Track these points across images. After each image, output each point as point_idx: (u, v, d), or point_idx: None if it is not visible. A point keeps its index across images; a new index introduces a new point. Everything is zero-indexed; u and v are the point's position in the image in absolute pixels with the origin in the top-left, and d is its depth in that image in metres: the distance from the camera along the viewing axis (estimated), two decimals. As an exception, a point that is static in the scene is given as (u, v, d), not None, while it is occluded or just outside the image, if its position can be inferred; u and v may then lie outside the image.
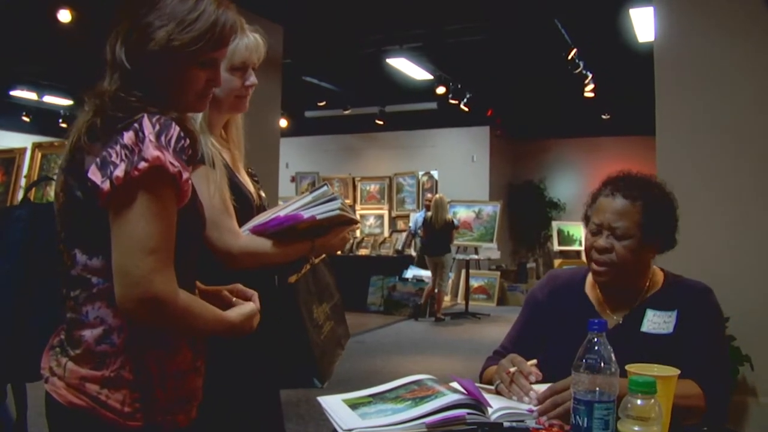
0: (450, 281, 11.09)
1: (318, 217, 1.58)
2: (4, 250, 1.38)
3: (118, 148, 1.14)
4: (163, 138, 1.15)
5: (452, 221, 9.19)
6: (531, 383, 1.50)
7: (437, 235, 9.01)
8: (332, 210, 1.59)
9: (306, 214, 1.58)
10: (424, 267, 9.60)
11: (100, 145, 1.17)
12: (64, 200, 1.23)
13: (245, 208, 1.68)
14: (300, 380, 1.74)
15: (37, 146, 5.32)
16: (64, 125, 10.66)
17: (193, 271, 1.33)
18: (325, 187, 1.62)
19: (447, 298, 10.85)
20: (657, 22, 3.51)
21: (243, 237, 1.59)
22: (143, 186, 1.13)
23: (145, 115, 1.16)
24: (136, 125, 1.15)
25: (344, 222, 1.65)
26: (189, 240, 1.27)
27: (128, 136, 1.14)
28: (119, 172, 1.12)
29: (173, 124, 1.18)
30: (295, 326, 1.69)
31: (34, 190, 4.09)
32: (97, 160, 1.15)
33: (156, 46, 1.21)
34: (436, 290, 9.19)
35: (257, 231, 1.60)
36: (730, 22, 3.26)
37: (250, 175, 1.82)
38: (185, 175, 1.17)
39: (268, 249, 1.59)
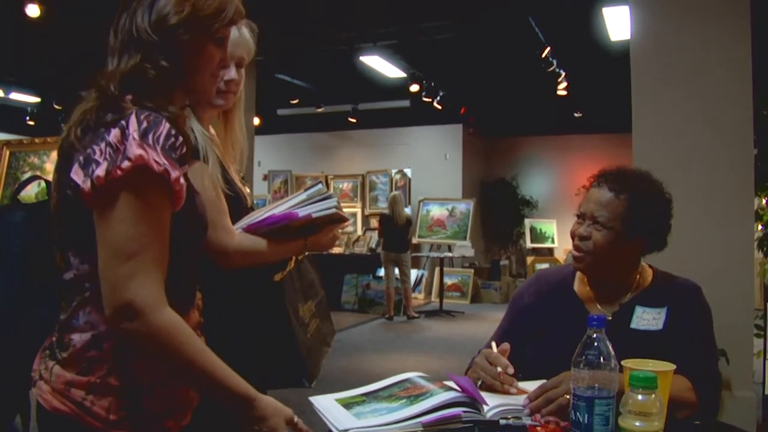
0: (424, 279, 11.10)
1: (314, 215, 1.56)
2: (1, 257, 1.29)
3: (102, 145, 1.09)
4: (150, 136, 1.09)
5: (409, 219, 9.26)
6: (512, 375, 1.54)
7: (399, 232, 9.03)
8: (328, 208, 1.57)
9: (301, 213, 1.55)
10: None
11: (87, 142, 1.12)
12: (57, 200, 1.18)
13: (236, 205, 1.64)
14: (288, 380, 1.71)
15: (5, 144, 5.17)
16: (31, 123, 10.47)
17: (193, 280, 1.27)
18: (319, 185, 1.59)
19: (421, 296, 10.85)
20: (633, 20, 3.54)
21: (238, 235, 1.55)
22: (126, 186, 1.07)
23: (134, 112, 1.11)
24: (123, 122, 1.10)
25: (336, 220, 1.63)
26: (186, 246, 1.21)
27: (114, 134, 1.09)
28: (100, 171, 1.06)
29: (163, 121, 1.12)
30: (282, 326, 1.66)
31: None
32: (81, 158, 1.10)
33: (179, 19, 1.17)
34: (392, 288, 9.17)
35: (251, 229, 1.57)
36: (706, 19, 3.30)
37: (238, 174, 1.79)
38: (174, 174, 1.10)
39: (263, 248, 1.56)
